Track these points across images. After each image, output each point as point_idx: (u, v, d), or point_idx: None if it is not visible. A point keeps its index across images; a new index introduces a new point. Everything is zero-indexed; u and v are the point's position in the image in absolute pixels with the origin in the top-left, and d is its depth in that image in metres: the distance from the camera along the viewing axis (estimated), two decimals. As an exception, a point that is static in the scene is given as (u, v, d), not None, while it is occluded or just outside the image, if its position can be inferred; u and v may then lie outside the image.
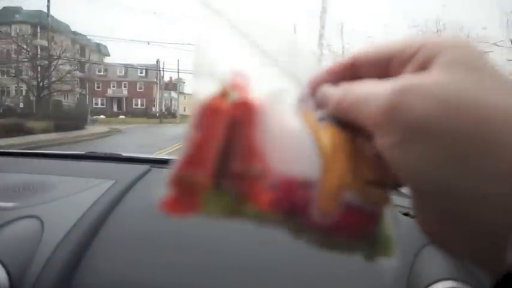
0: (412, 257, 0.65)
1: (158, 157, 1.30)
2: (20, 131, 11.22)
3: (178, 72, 38.20)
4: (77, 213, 0.69)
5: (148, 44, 43.63)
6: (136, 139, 13.29)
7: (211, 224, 0.71)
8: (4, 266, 0.57)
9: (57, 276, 0.58)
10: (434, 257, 0.63)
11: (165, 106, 49.75)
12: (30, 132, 11.76)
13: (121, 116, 43.65)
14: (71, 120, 15.52)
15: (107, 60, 51.36)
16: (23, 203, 0.75)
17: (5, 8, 34.32)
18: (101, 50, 53.51)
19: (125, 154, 1.25)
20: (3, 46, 28.43)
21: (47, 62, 25.99)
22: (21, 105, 28.41)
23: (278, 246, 0.60)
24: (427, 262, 0.63)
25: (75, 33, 49.62)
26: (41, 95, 25.42)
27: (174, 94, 50.64)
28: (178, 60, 35.55)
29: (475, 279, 0.57)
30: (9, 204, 0.74)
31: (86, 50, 44.67)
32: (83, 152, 1.27)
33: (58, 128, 13.20)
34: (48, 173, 0.98)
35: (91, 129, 16.41)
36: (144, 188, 0.87)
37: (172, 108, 51.33)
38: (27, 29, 34.06)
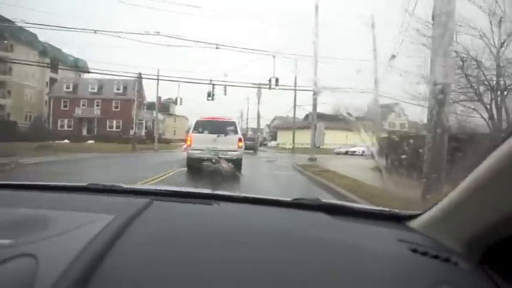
0: None
1: (160, 189, 1.29)
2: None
3: (158, 82, 30.50)
4: (75, 249, 0.68)
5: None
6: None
7: (214, 258, 0.72)
8: None
9: None
10: None
11: (146, 129, 41.84)
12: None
13: (89, 141, 35.91)
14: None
15: (85, 77, 43.65)
16: (19, 240, 0.74)
17: None
18: (78, 65, 45.75)
19: (125, 186, 1.28)
20: None
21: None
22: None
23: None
24: None
25: (43, 44, 41.83)
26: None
27: (160, 115, 42.73)
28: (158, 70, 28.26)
29: None
30: (6, 242, 0.73)
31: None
32: (85, 184, 1.27)
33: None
34: (48, 207, 0.97)
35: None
36: (145, 222, 0.88)
37: (158, 131, 43.26)
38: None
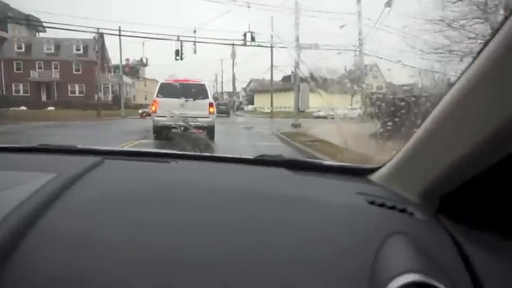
0: (378, 246, 0.64)
1: (115, 149, 1.27)
2: None
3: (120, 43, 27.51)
4: (3, 210, 0.65)
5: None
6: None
7: (171, 217, 0.70)
8: None
9: None
10: (401, 247, 0.64)
11: (113, 94, 38.70)
12: None
13: (49, 108, 32.76)
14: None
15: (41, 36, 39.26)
16: None
17: None
18: (30, 23, 41.03)
19: (79, 146, 1.22)
20: None
21: None
22: None
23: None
24: (393, 252, 0.62)
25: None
26: None
27: (128, 79, 39.47)
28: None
29: (443, 272, 0.57)
30: None
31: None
32: (34, 145, 1.20)
33: None
34: None
35: None
36: (93, 180, 0.86)
37: (126, 96, 40.03)
38: None
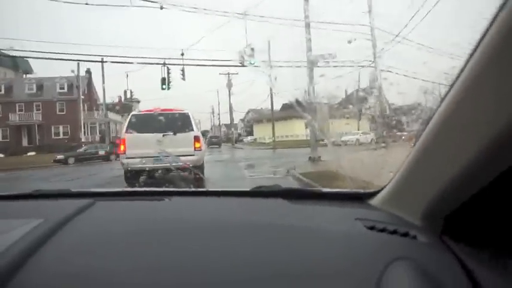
0: (379, 274, 0.62)
1: (106, 190, 1.26)
2: None
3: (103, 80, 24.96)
4: None
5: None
6: None
7: (168, 255, 0.68)
8: None
9: None
10: (404, 273, 0.62)
11: (100, 133, 35.89)
12: None
13: (30, 153, 29.90)
14: None
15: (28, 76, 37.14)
16: None
17: None
18: (18, 66, 39.30)
19: (74, 190, 1.20)
20: None
21: None
22: None
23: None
24: (396, 279, 0.61)
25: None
26: None
27: (117, 117, 36.73)
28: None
29: None
30: None
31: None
32: (30, 191, 1.18)
33: None
34: None
35: None
36: (84, 222, 0.84)
37: (117, 135, 37.13)
38: None
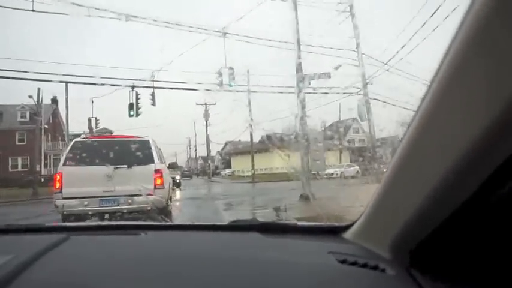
0: None
1: (80, 224, 1.28)
2: None
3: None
4: None
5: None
6: None
7: None
8: None
9: None
10: None
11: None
12: None
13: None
14: None
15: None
16: None
17: None
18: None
19: (47, 224, 1.21)
20: None
21: None
22: None
23: None
24: None
25: None
26: None
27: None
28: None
29: None
30: None
31: None
32: (1, 226, 1.16)
33: None
34: None
35: None
36: (56, 258, 0.83)
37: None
38: None
